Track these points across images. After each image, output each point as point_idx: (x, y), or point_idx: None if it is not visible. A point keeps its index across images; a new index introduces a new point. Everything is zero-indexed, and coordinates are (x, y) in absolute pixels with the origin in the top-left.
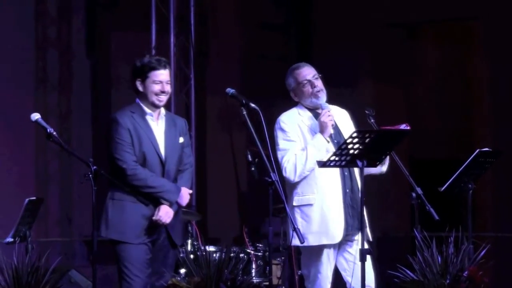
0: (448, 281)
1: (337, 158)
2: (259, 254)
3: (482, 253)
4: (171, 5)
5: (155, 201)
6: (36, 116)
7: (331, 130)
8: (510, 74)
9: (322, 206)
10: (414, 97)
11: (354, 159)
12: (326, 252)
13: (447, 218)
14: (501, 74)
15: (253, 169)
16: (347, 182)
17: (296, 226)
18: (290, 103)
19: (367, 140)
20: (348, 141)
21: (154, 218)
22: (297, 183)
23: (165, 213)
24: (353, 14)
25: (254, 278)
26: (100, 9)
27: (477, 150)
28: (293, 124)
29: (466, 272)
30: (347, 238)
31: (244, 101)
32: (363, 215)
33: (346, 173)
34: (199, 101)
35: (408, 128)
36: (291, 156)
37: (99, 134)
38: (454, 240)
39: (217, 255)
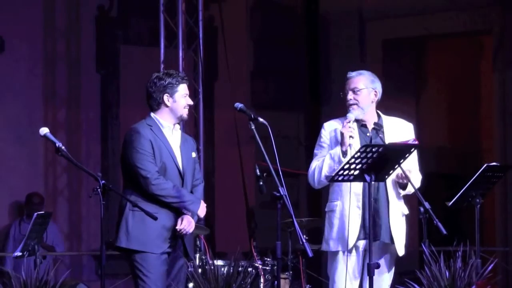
0: None
1: (345, 173)
2: (267, 268)
3: (490, 267)
4: (179, 20)
5: (176, 212)
6: (44, 130)
7: (349, 142)
8: None
9: (342, 212)
10: (423, 109)
11: (363, 173)
12: (344, 260)
13: (455, 232)
14: (511, 87)
15: (261, 183)
16: (373, 191)
17: (303, 241)
18: (299, 118)
19: (375, 155)
20: (356, 155)
21: (178, 227)
22: (329, 190)
23: (188, 223)
24: (362, 28)
25: None
26: (109, 24)
27: (485, 165)
28: (330, 130)
29: (474, 287)
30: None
31: (252, 116)
32: (371, 227)
33: (373, 182)
34: (208, 115)
35: (417, 142)
36: (315, 162)
37: (107, 149)
38: (462, 254)
39: (225, 269)
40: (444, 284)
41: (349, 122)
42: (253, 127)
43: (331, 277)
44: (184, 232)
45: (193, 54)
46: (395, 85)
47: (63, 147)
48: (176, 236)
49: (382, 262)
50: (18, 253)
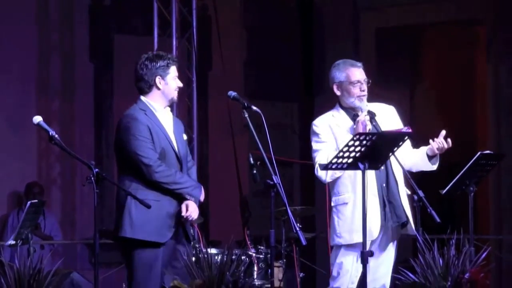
0: (449, 284)
1: (338, 161)
2: (261, 256)
3: (484, 255)
4: (173, 8)
5: (178, 198)
6: (38, 119)
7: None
8: None
9: (357, 204)
10: (417, 100)
11: (356, 161)
12: (359, 250)
13: (449, 220)
14: (505, 78)
15: (254, 172)
16: (382, 176)
17: (297, 229)
18: (293, 107)
19: (368, 143)
20: (350, 143)
21: (184, 215)
22: (335, 184)
23: (194, 210)
24: (356, 17)
25: (255, 280)
26: (102, 13)
27: (479, 153)
28: (325, 125)
29: (467, 275)
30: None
31: (246, 104)
32: (365, 214)
33: (382, 168)
34: (202, 104)
35: (410, 130)
36: (323, 156)
37: (101, 138)
38: (455, 242)
39: (219, 257)
40: (437, 272)
41: (366, 114)
42: (246, 115)
43: (342, 267)
44: (190, 219)
45: (186, 43)
46: (389, 74)
47: (56, 136)
48: (178, 223)
49: (393, 246)
50: (12, 242)
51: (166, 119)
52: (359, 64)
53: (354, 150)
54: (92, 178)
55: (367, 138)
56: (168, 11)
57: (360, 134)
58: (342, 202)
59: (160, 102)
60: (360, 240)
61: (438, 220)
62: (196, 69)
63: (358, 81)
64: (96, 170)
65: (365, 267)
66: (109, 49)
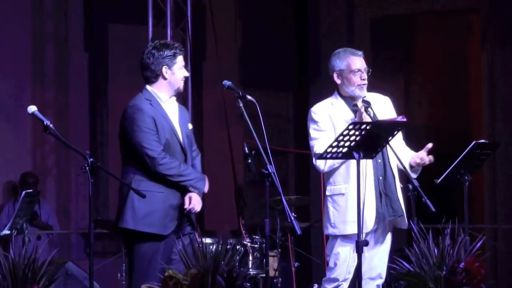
0: (444, 273)
1: (333, 150)
2: (256, 246)
3: (478, 244)
4: None
5: (182, 190)
6: (32, 108)
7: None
8: (508, 66)
9: (353, 195)
10: (412, 89)
11: (351, 151)
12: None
13: (444, 210)
14: (499, 67)
15: (249, 161)
16: (380, 169)
17: (292, 218)
18: (288, 96)
19: (363, 132)
20: (345, 132)
21: (187, 207)
22: (331, 173)
23: (197, 202)
24: (351, 6)
25: (250, 270)
26: (97, 2)
27: (474, 142)
28: (324, 114)
29: (462, 264)
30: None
31: (240, 93)
32: (360, 204)
33: (379, 160)
34: (196, 93)
35: (405, 119)
36: (322, 145)
37: (96, 128)
38: (450, 231)
39: (214, 247)
40: (432, 261)
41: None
42: (241, 104)
43: (339, 258)
44: (193, 211)
45: (181, 32)
46: (383, 64)
47: (51, 125)
48: (181, 215)
49: (388, 237)
50: (7, 232)
51: (172, 109)
52: (360, 52)
53: (349, 139)
54: (87, 167)
55: (362, 127)
56: (162, 1)
57: (355, 123)
58: (338, 192)
59: (166, 92)
60: (355, 231)
61: (433, 209)
62: (190, 58)
63: (359, 70)
64: (91, 159)
65: (360, 256)
66: (103, 39)
